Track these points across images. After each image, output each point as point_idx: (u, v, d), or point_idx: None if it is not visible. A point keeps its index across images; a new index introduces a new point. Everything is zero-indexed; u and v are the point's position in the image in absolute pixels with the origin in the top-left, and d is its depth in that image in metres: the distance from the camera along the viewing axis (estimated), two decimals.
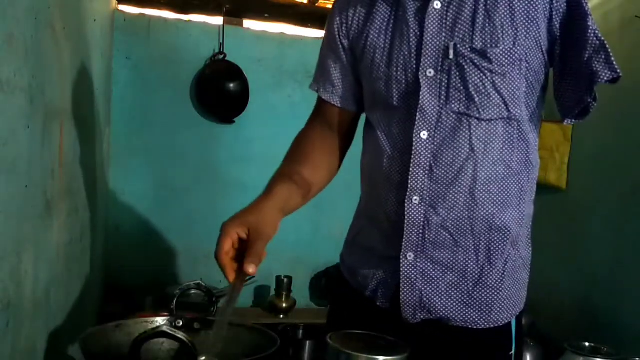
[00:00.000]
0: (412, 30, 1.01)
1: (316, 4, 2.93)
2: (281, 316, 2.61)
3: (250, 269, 0.86)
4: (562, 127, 2.41)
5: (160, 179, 2.68)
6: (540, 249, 2.87)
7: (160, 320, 1.09)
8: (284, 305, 2.62)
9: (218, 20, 2.72)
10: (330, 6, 3.01)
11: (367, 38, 1.08)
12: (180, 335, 0.88)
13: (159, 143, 2.66)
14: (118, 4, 2.63)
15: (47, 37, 1.14)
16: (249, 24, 2.84)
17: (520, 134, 1.01)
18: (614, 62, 0.95)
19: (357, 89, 1.15)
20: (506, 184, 1.01)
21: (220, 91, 2.62)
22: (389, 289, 1.06)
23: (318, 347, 2.08)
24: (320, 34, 2.90)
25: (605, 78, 0.95)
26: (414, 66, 1.01)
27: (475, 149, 0.99)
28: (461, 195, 1.00)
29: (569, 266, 2.38)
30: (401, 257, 1.03)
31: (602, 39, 0.96)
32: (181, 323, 1.07)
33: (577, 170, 2.43)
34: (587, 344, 1.88)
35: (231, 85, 2.63)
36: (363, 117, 1.18)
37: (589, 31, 0.95)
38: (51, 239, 1.25)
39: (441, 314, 1.03)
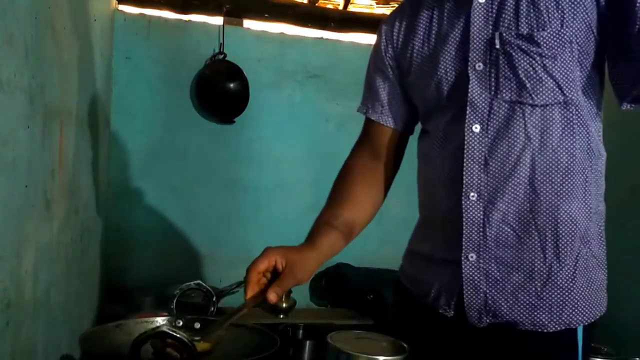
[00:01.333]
0: (457, 29, 1.01)
1: (316, 4, 2.93)
2: (281, 316, 2.61)
3: (272, 296, 0.92)
4: None
5: (161, 179, 2.67)
6: None
7: (160, 320, 1.09)
8: (284, 305, 2.61)
9: (218, 20, 2.72)
10: (330, 6, 3.01)
11: (412, 49, 1.08)
12: (180, 335, 0.88)
13: (159, 143, 2.66)
14: (118, 4, 2.62)
15: (47, 37, 1.14)
16: (249, 24, 2.84)
17: (579, 119, 0.97)
18: None
19: (407, 108, 1.15)
20: (570, 172, 0.97)
21: (220, 91, 2.62)
22: (452, 294, 1.02)
23: (318, 347, 2.08)
24: (320, 34, 2.90)
25: None
26: (462, 63, 1.00)
27: (532, 136, 0.96)
28: (520, 186, 0.97)
29: None
30: (462, 258, 0.99)
31: None
32: (181, 323, 1.07)
33: None
34: None
35: (231, 85, 2.63)
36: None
37: (638, 5, 0.90)
38: (51, 239, 1.25)
39: (508, 317, 0.98)
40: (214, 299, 2.34)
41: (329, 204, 1.14)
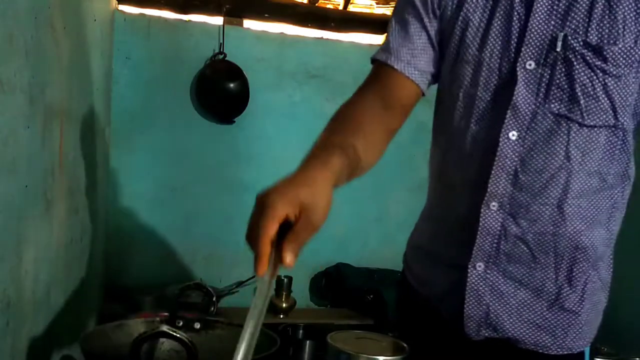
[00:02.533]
0: (516, 13, 0.88)
1: (316, 4, 2.93)
2: (281, 316, 2.61)
3: (289, 258, 0.68)
4: None
5: (160, 179, 2.67)
6: None
7: (160, 320, 1.09)
8: (284, 305, 2.61)
9: (218, 20, 2.72)
10: (330, 6, 3.01)
11: (459, 11, 0.93)
12: (180, 335, 0.88)
13: (159, 143, 2.66)
14: (118, 4, 2.62)
15: (47, 37, 1.14)
16: (249, 24, 2.84)
17: (623, 144, 0.90)
18: None
19: (434, 69, 1.00)
20: (597, 198, 0.91)
21: (220, 91, 2.62)
22: (455, 300, 0.96)
23: (318, 347, 2.08)
24: (320, 34, 2.90)
25: None
26: (512, 55, 0.89)
27: (572, 157, 0.88)
28: (548, 207, 0.90)
29: None
30: (469, 266, 0.93)
31: None
32: (181, 323, 1.07)
33: None
34: None
35: (231, 85, 2.63)
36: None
37: None
38: (51, 239, 1.25)
39: (509, 333, 0.94)
40: (214, 299, 2.34)
41: (338, 131, 0.89)
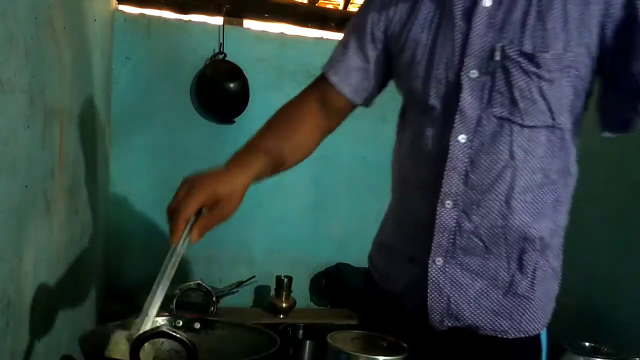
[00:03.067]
0: (457, 28, 0.98)
1: (316, 4, 2.93)
2: (281, 316, 2.61)
3: (195, 238, 0.89)
4: None
5: (161, 179, 2.67)
6: None
7: (160, 320, 1.09)
8: (284, 305, 2.62)
9: (218, 20, 2.72)
10: (330, 6, 3.01)
11: (408, 33, 1.03)
12: (180, 335, 0.88)
13: (159, 143, 2.66)
14: (118, 4, 2.62)
15: (47, 37, 1.14)
16: (249, 24, 2.84)
17: (562, 142, 0.98)
18: None
19: (368, 85, 1.12)
20: (542, 192, 0.98)
21: (220, 91, 2.62)
22: (417, 293, 1.03)
23: (318, 347, 2.08)
24: (320, 34, 2.90)
25: None
26: (457, 66, 0.97)
27: (516, 156, 0.95)
28: (497, 203, 0.97)
29: (569, 266, 2.38)
30: (429, 261, 1.00)
31: None
32: (181, 323, 1.07)
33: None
34: (587, 344, 1.88)
35: (231, 85, 2.63)
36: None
37: None
38: (51, 239, 1.25)
39: (469, 321, 1.00)
40: (214, 299, 2.34)
41: (272, 133, 1.07)
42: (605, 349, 1.85)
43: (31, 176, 1.05)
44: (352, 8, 2.98)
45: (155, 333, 0.89)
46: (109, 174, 2.54)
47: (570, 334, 2.15)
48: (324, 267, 2.86)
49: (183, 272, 2.70)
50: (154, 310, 0.86)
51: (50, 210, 1.23)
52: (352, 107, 1.15)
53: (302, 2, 2.90)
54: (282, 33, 2.85)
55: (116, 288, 2.51)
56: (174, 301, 2.22)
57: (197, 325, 1.08)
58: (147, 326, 0.84)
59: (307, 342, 2.13)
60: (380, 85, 1.14)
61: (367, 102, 1.15)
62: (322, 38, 2.90)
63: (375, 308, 1.16)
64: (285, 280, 2.62)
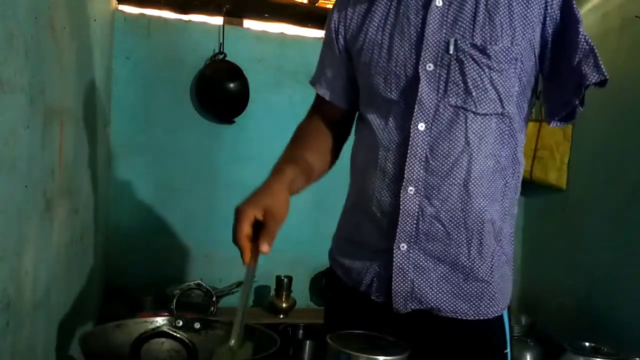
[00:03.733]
0: (413, 26, 1.05)
1: (316, 4, 2.93)
2: (281, 316, 2.61)
3: (265, 248, 0.92)
4: (562, 127, 2.41)
5: (160, 179, 2.68)
6: (540, 249, 2.89)
7: (160, 320, 1.09)
8: (284, 305, 2.62)
9: (218, 20, 2.72)
10: (330, 6, 3.01)
11: (365, 35, 1.11)
12: (180, 335, 0.88)
13: (159, 143, 2.66)
14: (118, 4, 2.63)
15: (47, 37, 1.14)
16: (249, 24, 2.84)
17: (510, 130, 1.05)
18: (602, 66, 1.00)
19: (351, 88, 1.19)
20: (493, 177, 1.04)
21: (220, 91, 2.62)
22: (383, 281, 1.08)
23: (318, 347, 2.08)
24: (320, 34, 2.90)
25: (594, 80, 0.99)
26: (414, 61, 1.04)
27: (471, 142, 1.02)
28: (455, 187, 1.03)
29: (569, 266, 2.38)
30: (394, 247, 1.05)
31: (592, 44, 1.00)
32: (181, 323, 1.07)
33: (577, 170, 2.44)
34: (587, 344, 1.89)
35: (231, 85, 2.63)
36: None
37: (580, 36, 1.00)
38: (51, 239, 1.25)
39: (431, 304, 1.06)
40: (214, 299, 2.34)
41: (291, 147, 1.18)
42: (605, 349, 1.85)
43: (31, 176, 1.05)
44: None
45: (155, 333, 0.89)
46: (109, 174, 2.54)
47: (570, 334, 2.15)
48: (324, 267, 2.85)
49: (183, 272, 2.70)
50: (240, 323, 0.93)
51: (50, 210, 1.23)
52: (346, 113, 1.23)
53: (302, 2, 2.90)
54: (282, 33, 2.86)
55: (116, 288, 2.51)
56: (174, 301, 2.22)
57: (197, 325, 1.08)
58: (236, 335, 0.91)
59: (307, 342, 2.13)
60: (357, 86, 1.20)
61: (354, 106, 1.20)
62: (322, 38, 2.90)
63: (338, 302, 1.22)
64: (285, 280, 2.62)
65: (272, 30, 2.85)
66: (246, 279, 0.95)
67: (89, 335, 1.02)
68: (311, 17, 2.87)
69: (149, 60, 2.64)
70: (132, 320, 1.10)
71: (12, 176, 0.93)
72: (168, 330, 0.88)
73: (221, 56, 2.65)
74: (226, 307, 2.46)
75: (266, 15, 2.81)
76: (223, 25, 2.68)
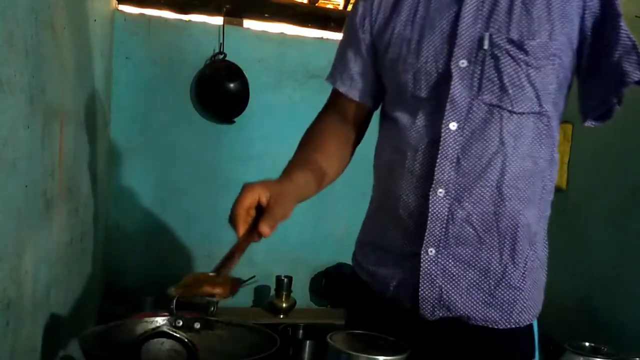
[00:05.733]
0: (445, 21, 1.00)
1: (316, 4, 2.93)
2: (281, 316, 2.61)
3: (265, 228, 0.87)
4: (562, 127, 2.40)
5: (160, 179, 2.68)
6: None
7: (160, 320, 1.09)
8: (284, 305, 2.62)
9: (218, 20, 2.72)
10: (330, 6, 3.02)
11: (393, 30, 1.05)
12: (180, 335, 0.88)
13: (159, 143, 2.66)
14: (118, 4, 2.63)
15: (47, 37, 1.14)
16: (249, 24, 2.84)
17: (548, 130, 1.00)
18: None
19: (376, 85, 1.13)
20: (532, 180, 1.00)
21: (220, 91, 2.62)
22: (410, 287, 1.03)
23: (318, 347, 2.08)
24: (320, 34, 2.90)
25: (636, 78, 0.94)
26: (446, 57, 0.99)
27: (505, 142, 0.97)
28: (488, 189, 0.98)
29: (569, 266, 2.38)
30: (422, 252, 1.00)
31: (634, 40, 0.94)
32: (181, 323, 1.07)
33: (577, 170, 2.43)
34: (587, 344, 1.88)
35: (231, 85, 2.63)
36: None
37: (621, 31, 0.95)
38: (51, 239, 1.25)
39: (461, 312, 1.01)
40: (214, 299, 2.34)
41: (303, 149, 1.11)
42: (605, 349, 1.85)
43: (31, 176, 1.05)
44: None
45: (155, 333, 0.89)
46: (109, 174, 2.54)
47: (570, 334, 2.15)
48: (324, 267, 2.86)
49: (183, 272, 2.70)
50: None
51: (50, 210, 1.23)
52: (368, 111, 1.17)
53: (302, 2, 2.90)
54: (282, 33, 2.85)
55: (116, 288, 2.51)
56: (174, 301, 2.22)
57: (197, 325, 1.08)
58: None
59: (307, 342, 2.13)
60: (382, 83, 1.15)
61: (377, 103, 1.16)
62: (322, 38, 2.90)
63: (363, 306, 1.16)
64: (285, 280, 2.62)
65: (272, 30, 2.85)
66: (230, 252, 0.91)
67: (89, 335, 1.02)
68: (311, 17, 2.87)
69: (149, 61, 2.63)
70: (132, 320, 1.10)
71: (12, 176, 0.93)
72: (168, 330, 0.88)
73: (221, 56, 2.65)
74: (226, 307, 2.46)
75: (266, 15, 2.81)
76: (223, 25, 2.68)
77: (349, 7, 2.96)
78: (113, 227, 2.59)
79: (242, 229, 0.89)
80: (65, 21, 1.30)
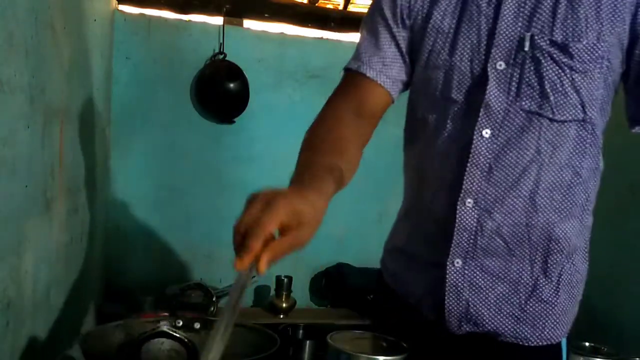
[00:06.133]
0: (484, 17, 0.92)
1: (316, 4, 2.93)
2: (281, 316, 2.61)
3: (263, 266, 0.70)
4: None
5: (160, 179, 2.67)
6: None
7: (160, 320, 1.09)
8: (284, 305, 2.62)
9: (218, 20, 2.72)
10: (330, 6, 3.01)
11: (428, 20, 0.97)
12: (180, 335, 0.88)
13: (159, 143, 2.66)
14: (118, 4, 2.62)
15: (47, 37, 1.14)
16: (249, 24, 2.83)
17: (593, 138, 0.93)
18: None
19: (405, 76, 1.03)
20: (572, 191, 0.93)
21: (220, 91, 2.62)
22: (435, 297, 0.98)
23: (318, 347, 2.08)
24: (320, 34, 2.90)
25: None
26: (482, 57, 0.92)
27: (542, 151, 0.91)
28: (520, 200, 0.92)
29: None
30: (448, 263, 0.95)
31: None
32: (181, 323, 1.07)
33: None
34: (587, 344, 1.88)
35: (231, 85, 2.62)
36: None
37: None
38: (51, 239, 1.25)
39: (489, 327, 0.95)
40: (214, 299, 2.34)
41: (325, 151, 0.92)
42: (605, 349, 1.85)
43: (31, 176, 1.05)
44: (352, 8, 2.98)
45: (155, 333, 0.89)
46: (109, 174, 2.54)
47: (570, 334, 2.15)
48: (324, 267, 2.86)
49: (183, 272, 2.70)
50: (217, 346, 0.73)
51: (50, 210, 1.23)
52: (387, 106, 1.05)
53: (302, 2, 2.90)
54: (282, 33, 2.85)
55: (116, 288, 2.51)
56: (174, 301, 2.22)
57: (197, 325, 1.08)
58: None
59: (307, 342, 2.13)
60: (412, 76, 1.05)
61: (397, 97, 1.05)
62: (322, 38, 2.90)
63: (389, 313, 1.11)
64: (285, 280, 2.62)
65: (272, 30, 2.85)
66: (233, 290, 0.75)
67: (89, 335, 1.02)
68: (311, 17, 2.86)
69: (149, 60, 2.63)
70: (132, 320, 1.10)
71: (12, 176, 0.93)
72: (168, 330, 0.88)
73: (221, 56, 2.65)
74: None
75: (266, 15, 2.81)
76: (223, 25, 2.68)
77: (349, 7, 2.96)
78: (113, 227, 2.59)
79: (248, 261, 0.70)
80: (65, 21, 1.30)
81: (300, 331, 2.38)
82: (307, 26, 2.87)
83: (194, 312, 2.12)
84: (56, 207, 1.29)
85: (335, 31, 2.89)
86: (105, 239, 2.47)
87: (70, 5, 1.39)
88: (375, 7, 1.05)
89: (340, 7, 2.99)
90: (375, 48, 1.02)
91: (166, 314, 1.05)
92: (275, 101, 2.78)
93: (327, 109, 1.04)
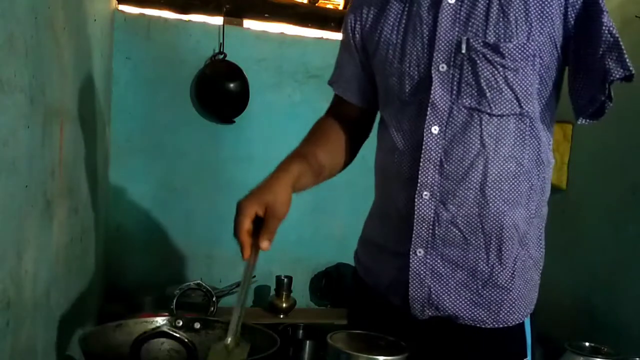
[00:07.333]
0: (425, 26, 1.02)
1: (316, 4, 2.93)
2: (281, 316, 2.61)
3: (265, 244, 0.91)
4: (562, 127, 2.41)
5: (160, 179, 2.67)
6: None
7: (160, 320, 1.09)
8: (284, 305, 2.62)
9: (218, 20, 2.72)
10: (330, 6, 3.02)
11: (380, 34, 1.08)
12: (180, 335, 0.88)
13: (159, 143, 2.66)
14: (118, 4, 2.62)
15: (47, 37, 1.14)
16: (249, 24, 2.84)
17: (532, 131, 1.00)
18: (627, 60, 0.94)
19: (369, 87, 1.17)
20: (517, 181, 1.00)
21: (220, 91, 2.62)
22: (400, 285, 1.05)
23: (318, 347, 2.08)
24: (320, 34, 2.90)
25: (618, 75, 0.94)
26: (427, 61, 1.01)
27: (486, 144, 0.99)
28: (471, 191, 0.99)
29: (569, 266, 2.38)
30: (411, 253, 1.03)
31: (617, 36, 0.94)
32: (181, 323, 1.07)
33: (577, 170, 2.43)
34: (587, 344, 1.88)
35: (231, 85, 2.63)
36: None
37: (604, 28, 0.94)
38: (51, 239, 1.25)
39: (449, 311, 1.03)
40: (214, 299, 2.34)
41: (304, 143, 1.14)
42: (605, 349, 1.85)
43: (31, 176, 1.05)
44: None
45: (155, 333, 0.89)
46: (109, 174, 2.54)
47: (570, 334, 2.15)
48: (324, 267, 2.86)
49: (183, 272, 2.70)
50: (237, 321, 0.92)
51: (50, 210, 1.23)
52: (367, 112, 1.21)
53: (302, 2, 2.90)
54: (282, 33, 2.85)
55: (116, 288, 2.51)
56: (174, 301, 2.22)
57: (197, 325, 1.08)
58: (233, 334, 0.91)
59: (307, 342, 2.13)
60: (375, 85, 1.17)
61: (376, 104, 1.17)
62: (322, 38, 2.90)
63: (360, 304, 1.20)
64: (285, 280, 2.62)
65: (272, 30, 2.85)
66: (245, 275, 0.94)
67: (89, 335, 1.02)
68: (311, 17, 2.86)
69: (149, 60, 2.63)
70: (132, 320, 1.10)
71: (12, 176, 0.93)
72: (168, 330, 0.89)
73: (221, 56, 2.65)
74: (226, 307, 2.46)
75: (266, 15, 2.81)
76: (223, 25, 2.68)
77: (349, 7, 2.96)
78: (113, 227, 2.59)
79: (248, 251, 0.92)
80: (65, 21, 1.30)
81: (300, 331, 2.39)
82: (307, 26, 2.88)
83: (194, 312, 2.12)
84: (56, 207, 1.29)
85: (335, 31, 2.89)
86: (105, 239, 2.47)
87: (70, 5, 1.39)
88: (343, 23, 1.19)
89: (340, 7, 2.99)
90: (339, 66, 1.20)
91: (166, 314, 1.05)
92: (275, 101, 2.78)
93: (320, 120, 1.22)
